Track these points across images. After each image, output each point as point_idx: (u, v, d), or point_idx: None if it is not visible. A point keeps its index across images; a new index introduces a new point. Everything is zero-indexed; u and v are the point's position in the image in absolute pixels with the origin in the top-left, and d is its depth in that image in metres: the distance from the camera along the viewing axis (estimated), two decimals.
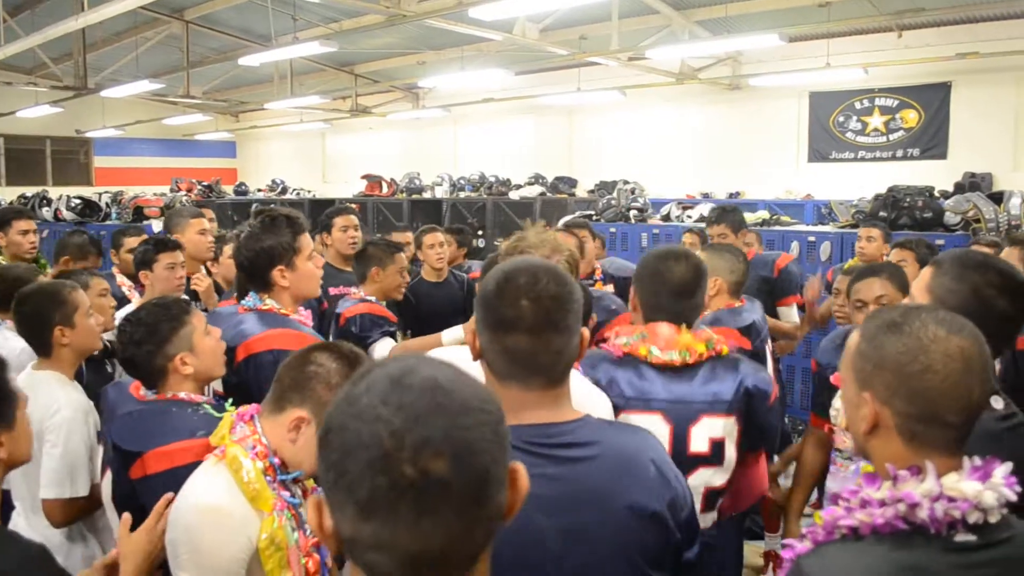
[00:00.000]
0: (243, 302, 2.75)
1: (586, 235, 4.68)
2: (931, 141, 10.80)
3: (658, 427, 2.17)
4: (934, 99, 10.72)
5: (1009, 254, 3.29)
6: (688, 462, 2.17)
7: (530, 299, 1.49)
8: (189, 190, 16.16)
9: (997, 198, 6.99)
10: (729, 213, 5.00)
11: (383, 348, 3.53)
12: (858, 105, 11.39)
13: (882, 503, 1.27)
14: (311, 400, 1.85)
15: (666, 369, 2.25)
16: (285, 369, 1.92)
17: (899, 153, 11.09)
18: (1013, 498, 1.27)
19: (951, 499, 1.24)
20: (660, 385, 2.24)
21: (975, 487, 1.25)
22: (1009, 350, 2.81)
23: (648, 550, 1.52)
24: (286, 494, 1.83)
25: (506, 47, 11.67)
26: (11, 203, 13.75)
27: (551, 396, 1.54)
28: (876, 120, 11.25)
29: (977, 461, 1.29)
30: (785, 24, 10.09)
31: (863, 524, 1.27)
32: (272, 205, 13.39)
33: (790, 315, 4.77)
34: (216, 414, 2.14)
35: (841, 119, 11.56)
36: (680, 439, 2.22)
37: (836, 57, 10.59)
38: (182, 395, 2.24)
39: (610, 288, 4.35)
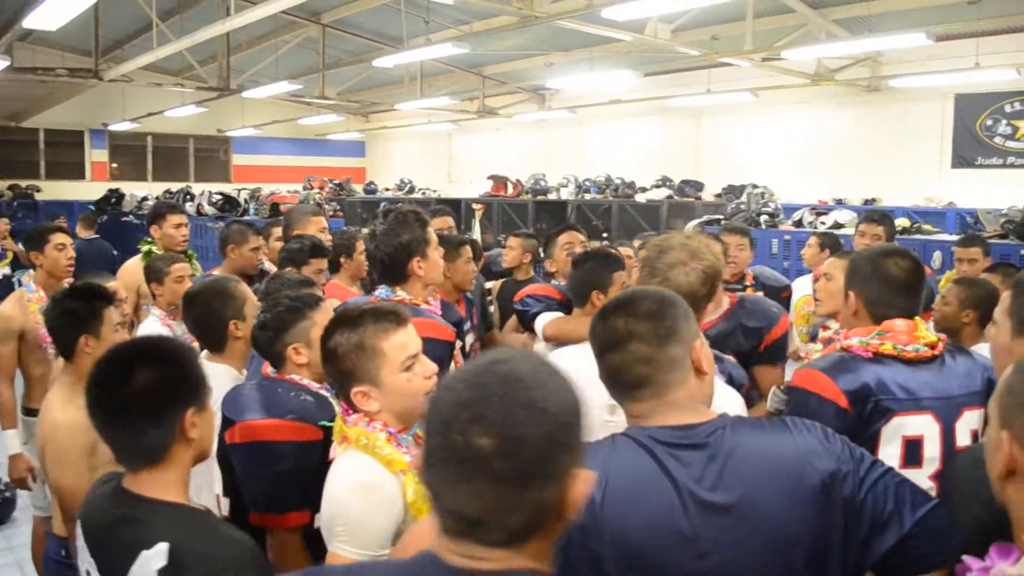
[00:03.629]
0: (376, 294, 2.92)
1: (744, 243, 4.69)
2: None
3: (931, 427, 2.16)
4: None
5: None
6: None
7: (627, 315, 1.62)
8: (321, 188, 16.71)
9: None
10: (887, 218, 4.95)
11: (543, 319, 3.57)
12: (1008, 108, 10.75)
13: None
14: (355, 373, 2.01)
15: (916, 363, 2.21)
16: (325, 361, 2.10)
17: None
18: None
19: None
20: (922, 382, 2.20)
21: None
22: None
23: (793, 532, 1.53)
24: (414, 452, 1.98)
25: (635, 48, 11.56)
26: (158, 198, 14.54)
27: (673, 398, 1.60)
28: None
29: None
30: (931, 23, 9.62)
31: None
32: (400, 204, 13.73)
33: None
34: (314, 400, 2.37)
35: (989, 122, 10.94)
36: (948, 436, 2.19)
37: (986, 57, 10.02)
38: (296, 378, 2.43)
39: (761, 295, 4.30)
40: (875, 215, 5.15)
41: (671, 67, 13.42)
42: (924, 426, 2.14)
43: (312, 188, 16.65)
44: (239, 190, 14.95)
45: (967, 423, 2.21)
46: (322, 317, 2.44)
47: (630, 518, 1.48)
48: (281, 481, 2.23)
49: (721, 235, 4.40)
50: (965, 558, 1.23)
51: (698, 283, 2.29)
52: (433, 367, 2.09)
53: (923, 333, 2.24)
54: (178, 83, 15.05)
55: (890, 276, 2.29)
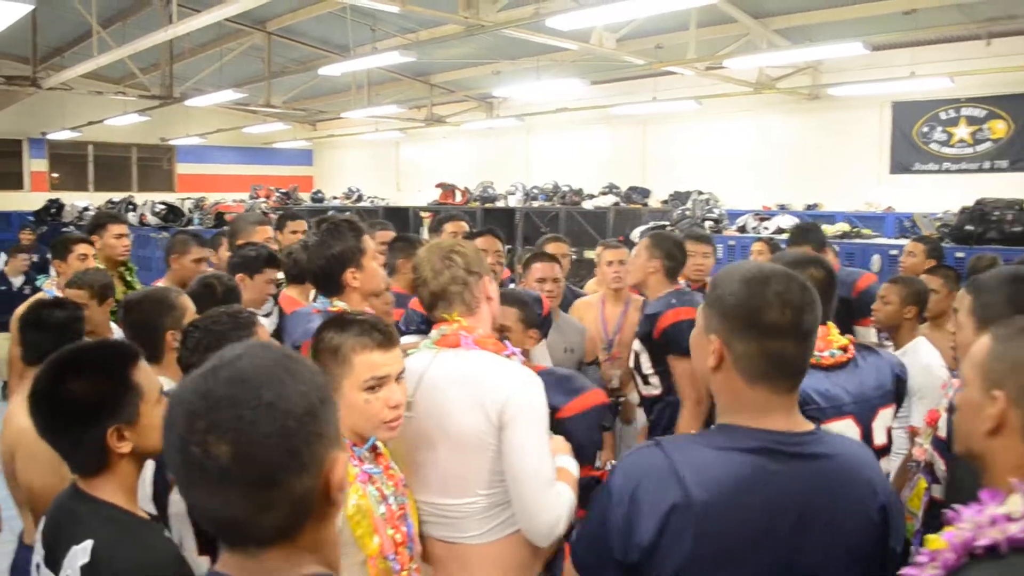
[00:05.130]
0: (314, 304, 2.93)
1: (709, 250, 4.80)
2: (1020, 152, 10.42)
3: (851, 430, 2.23)
4: None
5: None
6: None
7: (797, 304, 1.55)
8: (267, 197, 16.56)
9: None
10: (812, 232, 4.93)
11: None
12: (943, 115, 11.07)
13: (1012, 519, 1.23)
14: (324, 374, 1.96)
15: (832, 369, 2.30)
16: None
17: (986, 165, 10.74)
18: None
19: None
20: (840, 387, 2.27)
21: None
22: None
23: (864, 549, 1.57)
24: (367, 467, 1.97)
25: (581, 56, 11.66)
26: (100, 208, 14.27)
27: (791, 401, 1.60)
28: (962, 131, 10.92)
29: None
30: (868, 32, 9.86)
31: (1002, 541, 1.22)
32: (347, 212, 13.68)
33: (868, 335, 4.64)
34: None
35: (925, 129, 11.25)
36: (867, 437, 2.27)
37: (921, 66, 10.33)
38: None
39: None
40: (796, 234, 5.01)
41: (617, 75, 13.57)
42: (846, 430, 2.20)
43: (258, 197, 16.50)
44: (183, 200, 14.75)
45: (882, 421, 2.32)
46: (263, 331, 2.42)
47: (731, 520, 1.50)
48: None
49: (686, 244, 4.46)
50: (956, 507, 1.30)
51: (460, 273, 2.33)
52: (399, 398, 2.06)
53: (835, 337, 2.33)
54: (120, 91, 14.82)
55: None
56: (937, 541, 1.28)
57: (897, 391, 2.42)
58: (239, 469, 0.99)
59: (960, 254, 7.23)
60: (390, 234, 5.13)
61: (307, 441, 1.04)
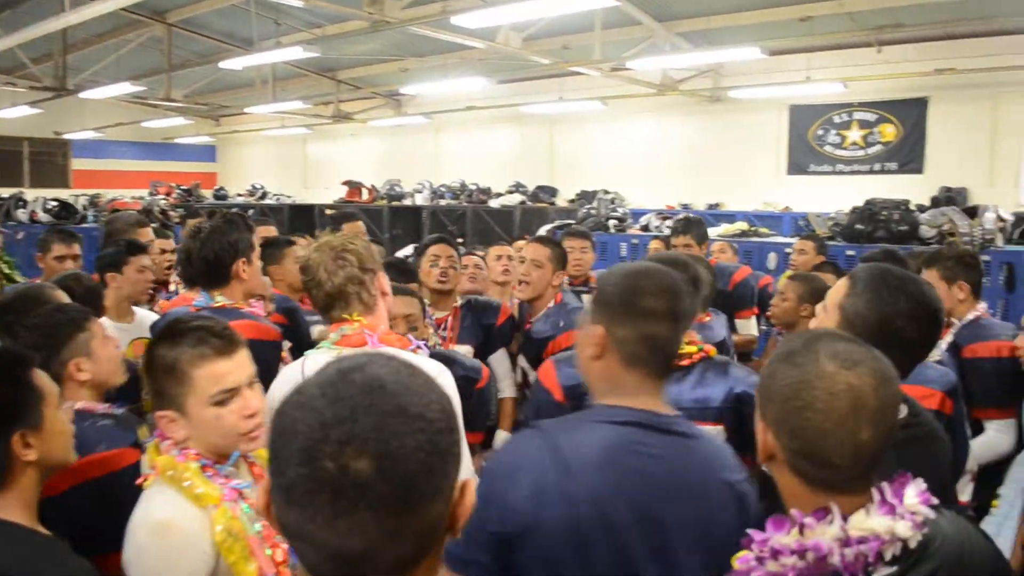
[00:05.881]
0: (195, 302, 2.79)
1: (586, 245, 4.74)
2: (908, 155, 10.92)
3: None
4: (911, 114, 10.85)
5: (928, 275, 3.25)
6: None
7: (671, 292, 1.67)
8: (168, 193, 16.12)
9: (972, 212, 7.10)
10: (694, 224, 5.00)
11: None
12: (837, 119, 11.50)
13: (792, 551, 1.22)
14: (162, 395, 1.81)
15: None
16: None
17: (876, 167, 11.21)
18: (931, 515, 1.22)
19: (862, 540, 1.18)
20: None
21: (885, 522, 1.19)
22: (954, 358, 2.92)
23: (730, 526, 1.56)
24: (235, 483, 1.80)
25: (489, 55, 11.69)
26: None
27: (661, 386, 1.69)
28: (854, 134, 11.36)
29: (886, 489, 1.23)
30: (766, 38, 10.16)
31: None
32: (251, 210, 13.39)
33: (747, 327, 4.78)
34: (115, 423, 2.13)
35: (820, 132, 11.66)
36: None
37: (816, 71, 10.71)
38: (79, 406, 2.15)
39: None
40: (678, 226, 5.09)
41: (524, 75, 13.65)
42: None
43: (158, 194, 16.05)
44: (77, 196, 14.23)
45: None
46: (97, 326, 2.29)
47: (604, 486, 1.53)
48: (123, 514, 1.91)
49: (563, 239, 4.48)
50: (750, 531, 1.30)
51: (356, 272, 2.29)
52: (255, 405, 1.84)
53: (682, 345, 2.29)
54: (9, 82, 14.21)
55: None
56: (735, 563, 1.30)
57: (734, 410, 2.27)
58: (381, 487, 0.85)
59: (851, 252, 7.50)
60: (271, 230, 5.01)
61: (445, 460, 0.91)
